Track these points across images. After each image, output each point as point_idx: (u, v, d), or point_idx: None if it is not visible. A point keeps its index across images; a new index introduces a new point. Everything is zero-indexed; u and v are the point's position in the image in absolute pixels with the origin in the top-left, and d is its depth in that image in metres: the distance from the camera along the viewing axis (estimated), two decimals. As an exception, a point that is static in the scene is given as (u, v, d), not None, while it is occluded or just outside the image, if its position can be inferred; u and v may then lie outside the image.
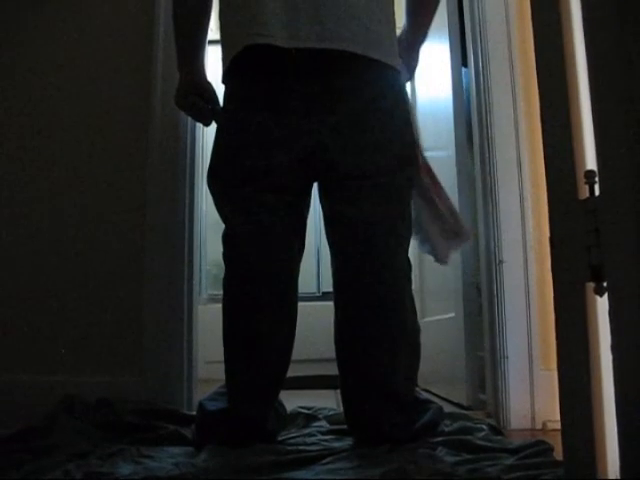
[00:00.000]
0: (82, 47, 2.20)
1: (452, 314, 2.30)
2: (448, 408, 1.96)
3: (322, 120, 1.46)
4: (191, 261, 2.07)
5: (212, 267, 3.66)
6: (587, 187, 0.82)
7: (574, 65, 0.87)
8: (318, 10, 1.45)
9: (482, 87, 2.14)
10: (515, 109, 2.07)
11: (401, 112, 1.57)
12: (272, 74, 1.48)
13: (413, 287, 1.63)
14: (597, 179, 0.81)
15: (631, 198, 0.74)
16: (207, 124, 1.78)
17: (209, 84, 1.72)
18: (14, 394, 1.88)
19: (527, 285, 1.95)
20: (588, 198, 0.83)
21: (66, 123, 2.15)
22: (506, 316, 1.95)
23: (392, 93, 1.56)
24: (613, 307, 0.77)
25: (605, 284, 0.79)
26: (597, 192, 0.81)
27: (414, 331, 1.57)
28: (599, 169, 0.81)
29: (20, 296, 2.04)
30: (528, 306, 1.93)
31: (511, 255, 1.98)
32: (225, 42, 1.56)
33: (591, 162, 0.85)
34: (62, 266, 2.06)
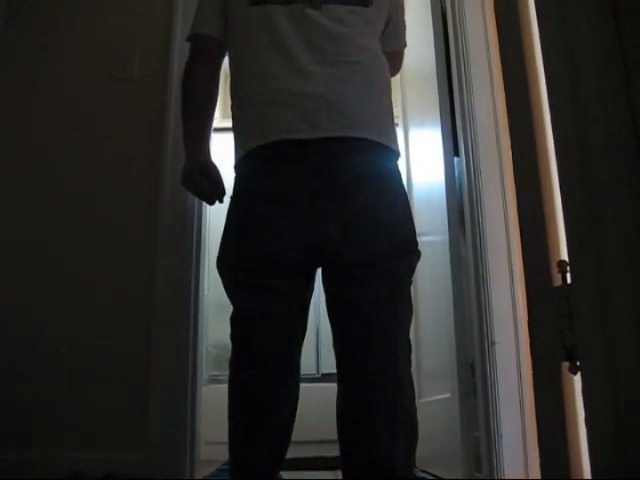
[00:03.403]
0: (93, 130, 2.33)
1: (447, 394, 2.34)
2: (445, 488, 1.99)
3: (330, 213, 1.54)
4: (195, 343, 2.13)
5: (213, 348, 3.69)
6: (560, 276, 0.92)
7: (548, 169, 0.97)
8: (335, 102, 1.57)
9: (473, 176, 2.27)
10: (504, 197, 2.18)
11: (402, 200, 1.66)
12: (285, 166, 1.57)
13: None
14: (569, 269, 0.91)
15: (598, 286, 0.83)
16: (211, 203, 1.82)
17: (214, 165, 1.76)
18: (19, 470, 1.90)
19: (519, 366, 2.01)
20: (561, 285, 0.92)
21: (73, 208, 2.26)
22: (500, 396, 2.00)
23: (395, 183, 1.66)
24: (586, 384, 0.85)
25: (578, 363, 0.87)
26: (569, 280, 0.91)
27: (412, 410, 1.62)
28: (570, 260, 0.90)
29: (26, 372, 2.10)
30: (520, 386, 1.99)
31: (503, 337, 2.04)
32: (241, 131, 1.66)
33: (564, 253, 0.95)
34: (69, 345, 2.12)
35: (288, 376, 1.61)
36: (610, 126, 0.85)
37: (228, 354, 1.63)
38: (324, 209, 1.54)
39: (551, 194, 0.99)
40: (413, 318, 1.71)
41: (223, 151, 1.96)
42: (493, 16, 2.19)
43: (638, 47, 0.83)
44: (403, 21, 1.91)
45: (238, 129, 1.68)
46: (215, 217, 2.34)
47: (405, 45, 1.96)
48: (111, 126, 2.33)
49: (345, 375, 1.59)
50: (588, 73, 0.91)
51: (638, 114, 0.84)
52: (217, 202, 1.78)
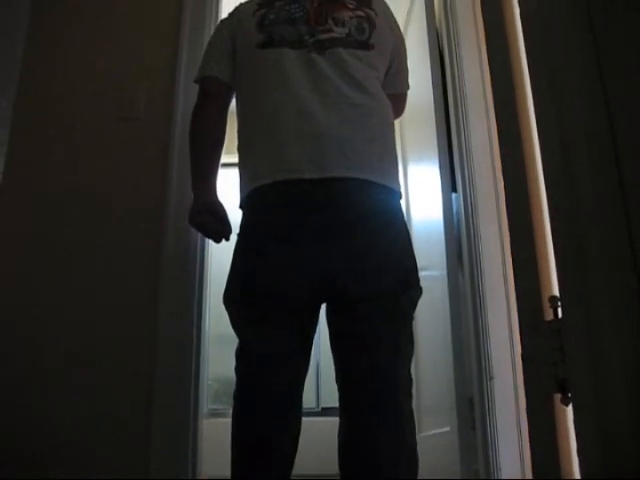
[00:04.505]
0: (98, 167, 2.37)
1: (447, 428, 2.35)
2: (444, 522, 1.99)
3: (333, 249, 1.58)
4: (197, 377, 2.15)
5: (213, 382, 3.69)
6: (552, 311, 0.95)
7: (540, 205, 1.02)
8: (339, 143, 1.62)
9: (470, 212, 2.32)
10: (500, 232, 2.23)
11: (404, 237, 1.71)
12: (291, 204, 1.62)
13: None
14: (559, 304, 0.94)
15: (588, 321, 0.87)
16: (218, 241, 1.86)
17: (221, 204, 1.81)
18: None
19: (517, 400, 2.03)
20: (553, 320, 0.96)
21: (76, 244, 2.29)
22: (498, 430, 2.02)
23: (397, 221, 1.71)
24: (577, 415, 0.88)
25: (570, 395, 0.91)
26: (560, 315, 0.94)
27: (413, 444, 1.62)
28: (561, 296, 0.94)
29: (25, 404, 2.11)
30: (518, 420, 2.01)
31: (501, 371, 2.07)
32: (247, 170, 1.71)
33: (556, 289, 0.99)
34: (71, 379, 2.14)
35: (290, 410, 1.64)
36: (596, 167, 0.90)
37: (228, 388, 1.65)
38: (328, 246, 1.58)
39: (543, 232, 1.03)
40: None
41: (227, 186, 2.00)
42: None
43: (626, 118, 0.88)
44: (405, 64, 1.97)
45: (245, 167, 1.73)
46: (217, 252, 2.37)
47: (408, 87, 2.02)
48: (116, 164, 2.36)
49: (347, 409, 1.62)
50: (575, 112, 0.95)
51: (614, 108, 0.89)
52: (223, 240, 1.82)
